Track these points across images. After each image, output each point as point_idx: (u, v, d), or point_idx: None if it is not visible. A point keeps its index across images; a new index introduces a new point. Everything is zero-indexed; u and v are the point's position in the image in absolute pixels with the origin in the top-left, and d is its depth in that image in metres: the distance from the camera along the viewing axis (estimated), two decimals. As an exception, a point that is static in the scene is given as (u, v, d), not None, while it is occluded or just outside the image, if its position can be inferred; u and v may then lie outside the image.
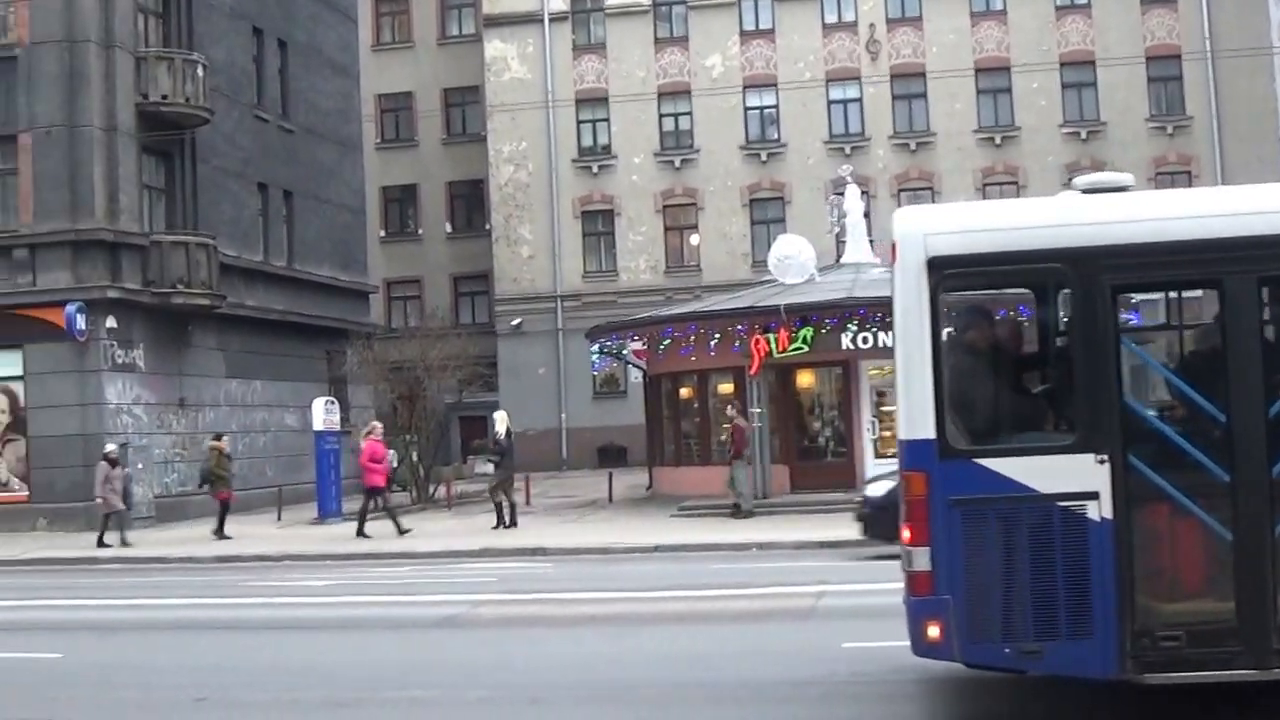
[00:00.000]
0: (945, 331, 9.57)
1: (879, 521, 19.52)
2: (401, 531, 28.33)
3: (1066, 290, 9.46)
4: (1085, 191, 10.05)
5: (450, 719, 11.07)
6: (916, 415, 9.36)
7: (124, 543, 28.40)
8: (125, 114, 34.31)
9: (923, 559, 9.31)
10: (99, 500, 28.85)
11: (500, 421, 30.60)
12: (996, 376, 9.98)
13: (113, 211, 33.75)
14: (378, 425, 30.88)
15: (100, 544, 28.20)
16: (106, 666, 14.58)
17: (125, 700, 12.48)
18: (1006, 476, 9.20)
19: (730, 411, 30.67)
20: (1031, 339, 10.52)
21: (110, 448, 29.94)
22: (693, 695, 11.78)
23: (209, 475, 30.73)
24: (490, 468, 31.27)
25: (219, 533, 29.51)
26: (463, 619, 17.36)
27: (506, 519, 29.18)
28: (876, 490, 21.12)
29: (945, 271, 9.40)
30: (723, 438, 32.00)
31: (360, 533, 28.35)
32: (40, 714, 11.79)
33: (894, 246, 9.63)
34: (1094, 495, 9.11)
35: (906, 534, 9.46)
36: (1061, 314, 9.73)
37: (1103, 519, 9.11)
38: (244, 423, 38.69)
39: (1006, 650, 9.27)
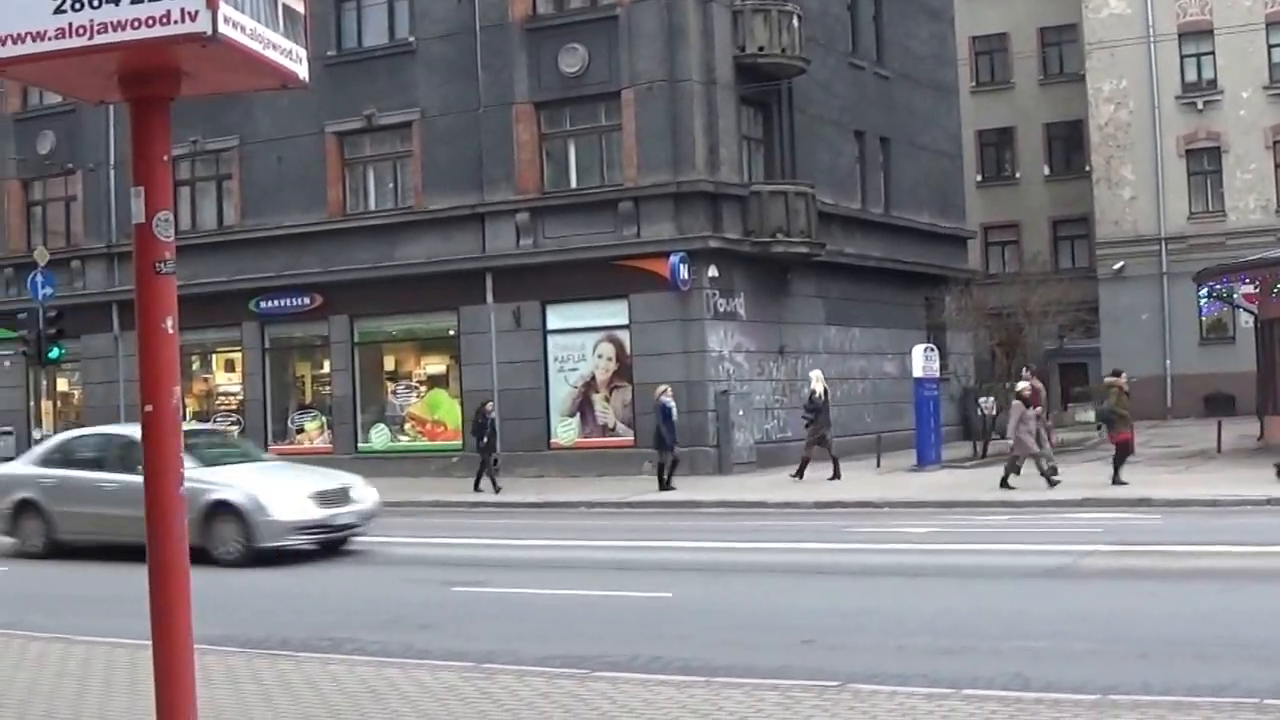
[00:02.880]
0: None
1: None
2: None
3: None
4: None
5: (1057, 670, 10.54)
6: None
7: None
8: (723, 67, 34.86)
9: None
10: (1012, 441, 27.56)
11: (816, 380, 31.65)
12: None
13: (713, 163, 34.39)
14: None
15: (1004, 485, 26.87)
16: (714, 607, 14.76)
17: (733, 640, 12.54)
18: None
19: None
20: None
21: (1024, 383, 29.05)
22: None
23: (1108, 414, 28.25)
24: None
25: (1116, 479, 26.45)
26: (1067, 570, 16.76)
27: (805, 474, 30.41)
28: None
29: None
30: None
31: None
32: (651, 650, 11.96)
33: None
34: None
35: None
36: None
37: None
38: (842, 370, 38.85)
39: None
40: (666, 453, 30.18)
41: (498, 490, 30.59)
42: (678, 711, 9.18)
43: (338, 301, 37.53)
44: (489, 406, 32.51)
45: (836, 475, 30.08)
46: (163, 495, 6.13)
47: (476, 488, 30.93)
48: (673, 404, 30.86)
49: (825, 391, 31.63)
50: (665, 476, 29.92)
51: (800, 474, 30.68)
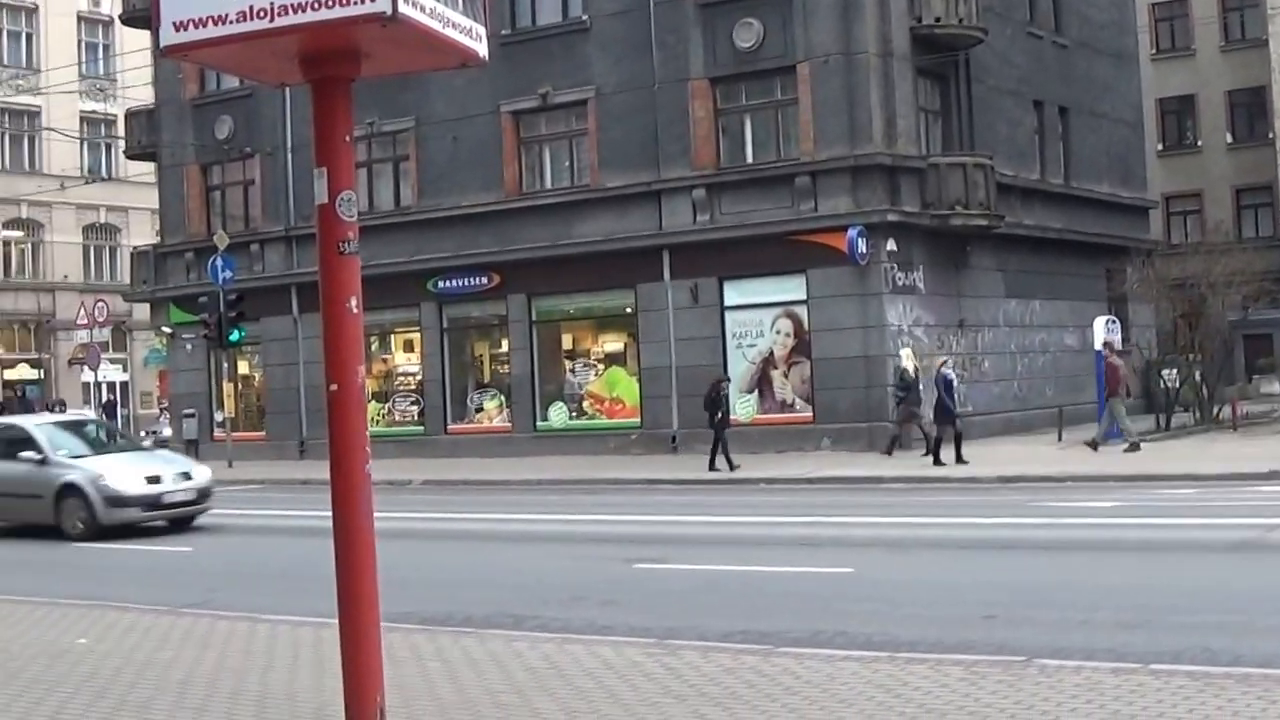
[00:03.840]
0: None
1: None
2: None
3: None
4: None
5: (1246, 644, 10.29)
6: None
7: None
8: (899, 38, 34.48)
9: None
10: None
11: (906, 359, 31.21)
12: None
13: (890, 136, 34.06)
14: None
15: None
16: (896, 582, 14.63)
17: (915, 615, 12.43)
18: None
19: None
20: None
21: None
22: None
23: None
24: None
25: None
26: (1256, 543, 16.40)
27: (894, 450, 30.52)
28: None
29: None
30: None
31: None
32: (834, 625, 11.89)
33: None
34: None
35: None
36: None
37: None
38: (1022, 343, 38.33)
39: None
40: (946, 426, 29.27)
41: (734, 468, 29.79)
42: (862, 686, 9.11)
43: (515, 280, 37.80)
44: (723, 383, 31.72)
45: (930, 453, 29.26)
46: (349, 473, 6.20)
47: (712, 466, 30.10)
48: (953, 374, 30.61)
49: (916, 370, 31.21)
50: (938, 450, 28.86)
51: (890, 451, 30.52)
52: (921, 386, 31.31)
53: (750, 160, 35.29)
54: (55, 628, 12.74)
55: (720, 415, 30.55)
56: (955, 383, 30.39)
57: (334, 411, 6.16)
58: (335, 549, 6.23)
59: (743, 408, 34.99)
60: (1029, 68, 39.93)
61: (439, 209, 38.94)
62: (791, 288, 34.39)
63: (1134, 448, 29.29)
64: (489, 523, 23.64)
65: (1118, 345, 33.05)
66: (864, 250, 32.88)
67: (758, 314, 34.97)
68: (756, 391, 35.08)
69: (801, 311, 34.32)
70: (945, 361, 30.99)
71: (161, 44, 5.99)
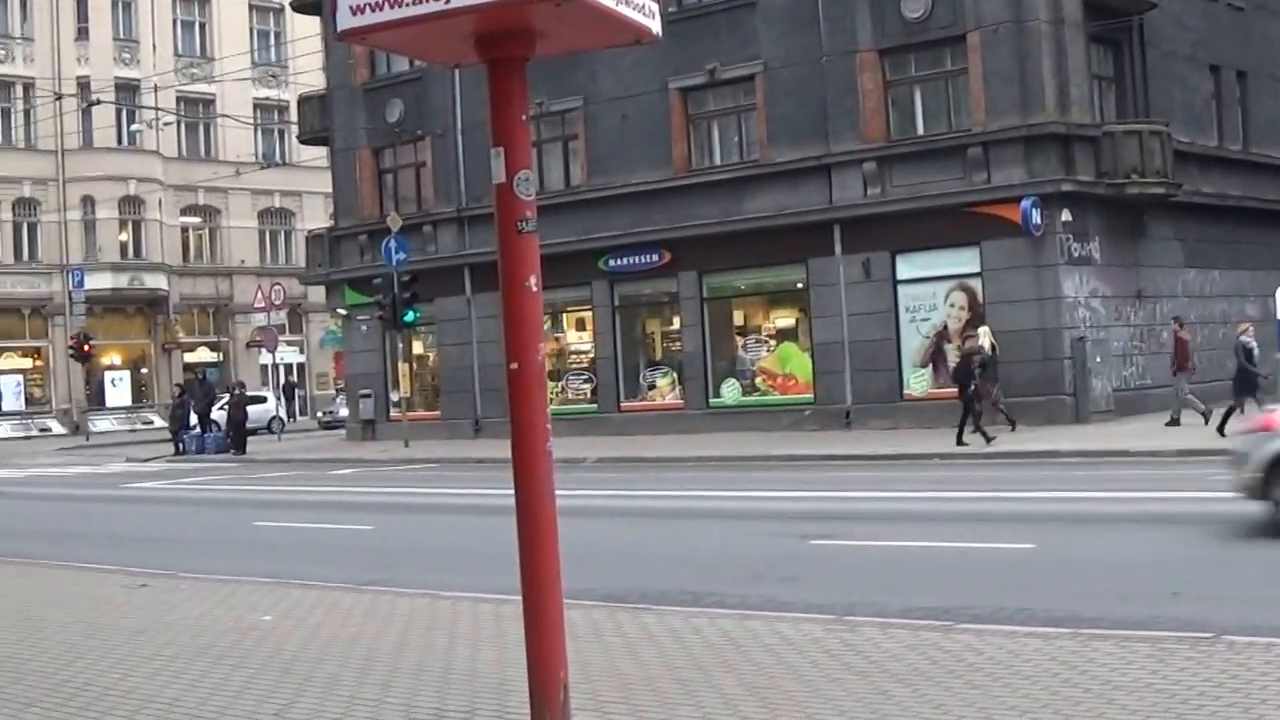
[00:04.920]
0: None
1: None
2: None
3: None
4: None
5: None
6: None
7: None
8: (1071, 4, 33.87)
9: None
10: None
11: (984, 335, 31.65)
12: None
13: (1063, 104, 33.52)
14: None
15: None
16: (1079, 558, 14.41)
17: (1099, 592, 12.21)
18: None
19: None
20: None
21: None
22: None
23: None
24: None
25: None
26: None
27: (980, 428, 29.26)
28: None
29: None
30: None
31: None
32: (1016, 602, 11.74)
33: None
34: None
35: None
36: None
37: None
38: (1202, 314, 37.55)
39: None
40: (1246, 396, 28.24)
41: (989, 440, 28.81)
42: (1046, 664, 8.96)
43: (685, 257, 37.85)
44: (977, 354, 30.68)
45: (1220, 421, 27.96)
46: (531, 452, 6.23)
47: (959, 440, 28.94)
48: (1254, 343, 30.01)
49: (993, 346, 31.24)
50: (1225, 419, 27.59)
51: (977, 430, 29.17)
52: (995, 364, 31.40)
53: (921, 132, 34.99)
54: (242, 604, 13.00)
55: (973, 388, 29.61)
56: (1255, 353, 29.71)
57: (515, 390, 6.19)
58: (518, 527, 6.27)
59: (917, 383, 34.77)
60: (1204, 31, 39.06)
61: (609, 187, 39.10)
62: (965, 260, 34.02)
63: (1174, 422, 29.86)
64: (663, 500, 23.71)
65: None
66: (1038, 221, 32.42)
67: (930, 287, 34.66)
68: (930, 366, 34.76)
69: (975, 284, 33.97)
70: (1246, 329, 30.36)
71: (339, 28, 6.05)
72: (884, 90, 35.23)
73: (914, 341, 34.88)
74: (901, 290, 34.96)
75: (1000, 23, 33.33)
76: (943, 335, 34.55)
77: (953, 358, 34.06)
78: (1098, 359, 33.17)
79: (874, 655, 9.42)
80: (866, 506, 20.91)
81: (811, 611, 11.43)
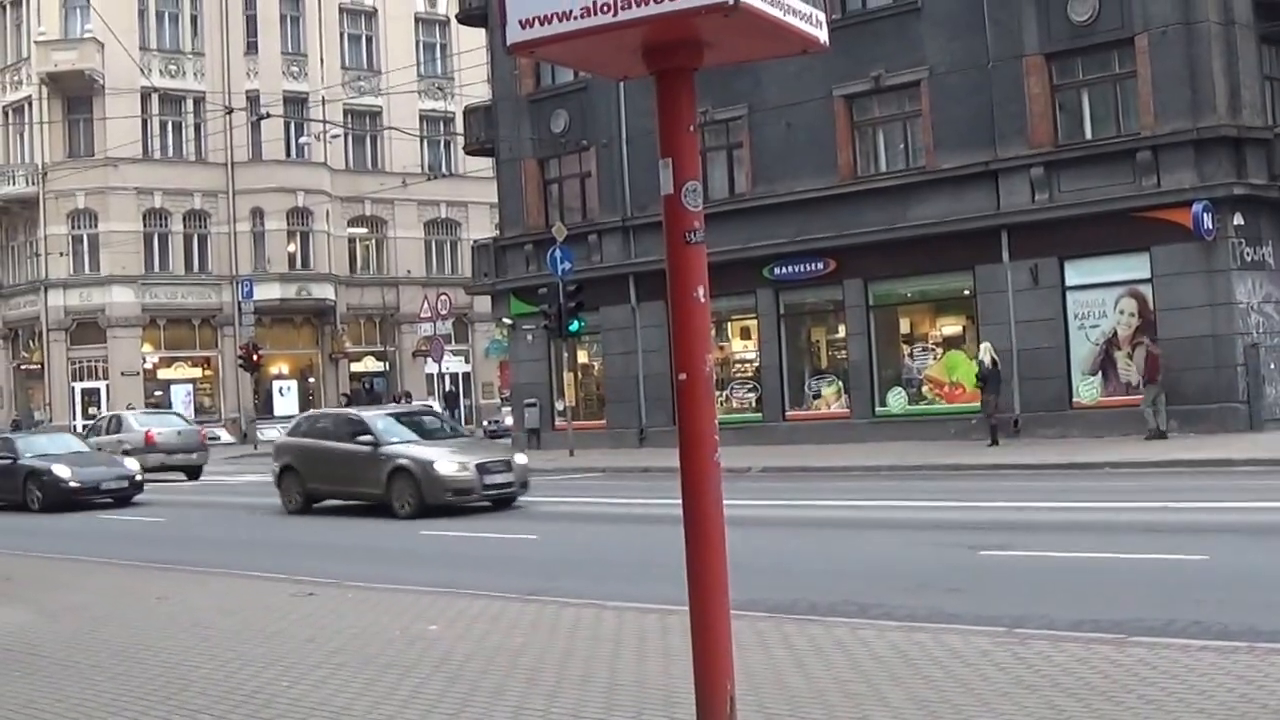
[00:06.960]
0: None
1: None
2: None
3: None
4: None
5: None
6: None
7: None
8: (1241, 6, 33.22)
9: None
10: None
11: (985, 351, 33.36)
12: None
13: (1234, 107, 32.87)
14: None
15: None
16: (1255, 569, 14.07)
17: (1276, 603, 11.92)
18: None
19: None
20: None
21: None
22: None
23: None
24: None
25: None
26: None
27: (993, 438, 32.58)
28: None
29: None
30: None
31: None
32: (1189, 615, 11.51)
33: None
34: None
35: None
36: None
37: None
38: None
39: None
40: None
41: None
42: (1221, 677, 8.78)
43: (850, 265, 37.68)
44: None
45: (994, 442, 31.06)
46: (699, 463, 6.23)
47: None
48: None
49: (994, 360, 32.63)
50: None
51: (995, 440, 32.13)
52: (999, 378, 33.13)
53: (1089, 136, 34.50)
54: (407, 613, 13.13)
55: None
56: None
57: (683, 401, 6.20)
58: (686, 537, 6.27)
59: (1086, 390, 34.27)
60: (1382, 31, 38.04)
61: (773, 195, 39.06)
62: (1135, 266, 33.45)
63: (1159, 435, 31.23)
64: (829, 509, 23.58)
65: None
66: (1210, 225, 31.81)
67: (1100, 294, 34.14)
68: (1100, 374, 34.24)
69: (1146, 290, 33.40)
70: None
71: (508, 42, 6.10)
72: (1051, 94, 34.79)
73: (1083, 349, 34.37)
74: (1070, 297, 34.47)
75: (1169, 24, 32.76)
76: (1112, 342, 34.01)
77: (1122, 365, 33.56)
78: (1271, 365, 32.47)
79: (1045, 669, 9.28)
80: (1034, 517, 20.63)
81: (980, 624, 11.31)
